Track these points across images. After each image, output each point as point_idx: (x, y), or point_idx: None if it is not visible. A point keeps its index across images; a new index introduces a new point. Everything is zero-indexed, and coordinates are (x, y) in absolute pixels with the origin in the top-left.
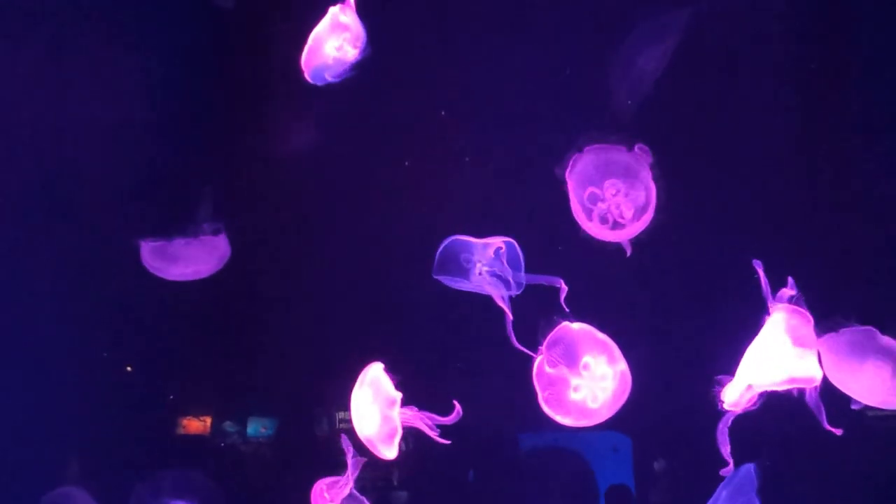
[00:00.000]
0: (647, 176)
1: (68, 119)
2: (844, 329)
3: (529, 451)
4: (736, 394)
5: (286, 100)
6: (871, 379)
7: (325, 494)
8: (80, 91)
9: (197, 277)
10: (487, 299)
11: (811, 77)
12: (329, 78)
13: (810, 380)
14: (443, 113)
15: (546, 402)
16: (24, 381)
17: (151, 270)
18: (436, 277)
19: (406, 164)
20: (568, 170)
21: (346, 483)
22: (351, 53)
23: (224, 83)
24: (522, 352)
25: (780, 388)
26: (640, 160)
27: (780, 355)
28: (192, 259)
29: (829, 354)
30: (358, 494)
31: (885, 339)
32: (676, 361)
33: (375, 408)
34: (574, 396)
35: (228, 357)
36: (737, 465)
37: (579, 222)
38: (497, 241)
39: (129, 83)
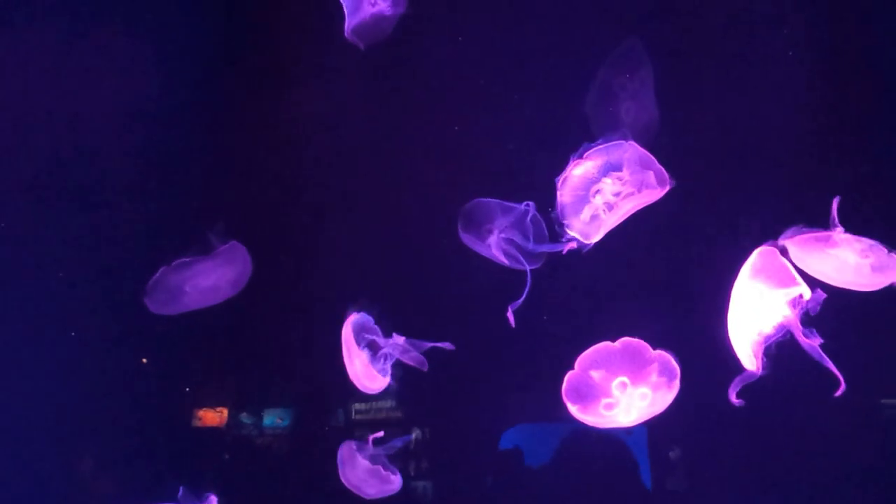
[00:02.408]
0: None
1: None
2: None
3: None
4: (747, 358)
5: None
6: (838, 259)
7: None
8: (93, 82)
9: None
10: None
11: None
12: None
13: (797, 299)
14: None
15: (577, 412)
16: (38, 372)
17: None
18: (463, 240)
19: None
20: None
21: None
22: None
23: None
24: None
25: (778, 332)
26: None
27: (761, 301)
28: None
29: (795, 246)
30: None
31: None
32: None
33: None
34: (606, 412)
35: (244, 348)
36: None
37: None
38: (519, 207)
39: (140, 75)
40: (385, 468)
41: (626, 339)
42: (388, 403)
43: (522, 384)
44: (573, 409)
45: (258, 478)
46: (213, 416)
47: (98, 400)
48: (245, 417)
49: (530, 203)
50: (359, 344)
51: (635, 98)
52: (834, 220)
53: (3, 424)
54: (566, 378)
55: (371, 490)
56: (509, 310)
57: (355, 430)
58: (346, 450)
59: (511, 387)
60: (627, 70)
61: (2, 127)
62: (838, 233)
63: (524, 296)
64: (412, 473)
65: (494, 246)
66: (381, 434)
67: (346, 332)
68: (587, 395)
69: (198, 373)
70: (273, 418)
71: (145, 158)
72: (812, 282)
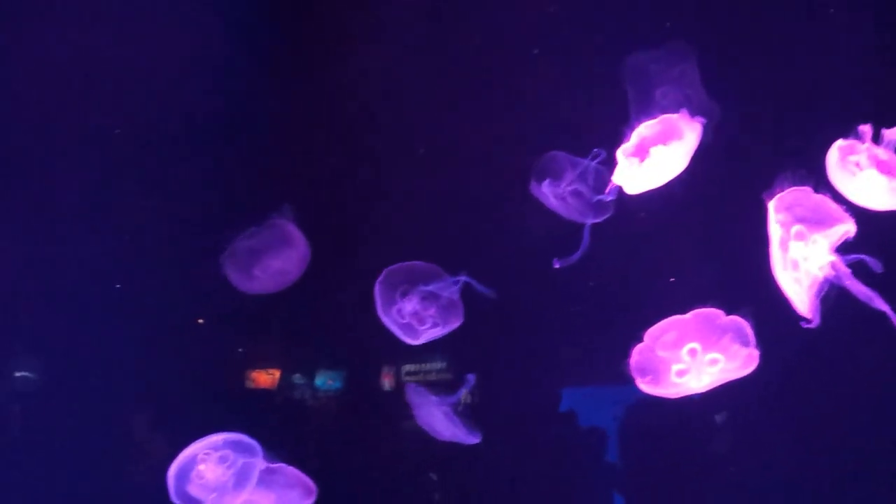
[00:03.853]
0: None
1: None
2: None
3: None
4: (803, 304)
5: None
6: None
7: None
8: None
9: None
10: None
11: None
12: None
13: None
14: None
15: (645, 384)
16: (97, 334)
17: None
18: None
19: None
20: None
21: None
22: None
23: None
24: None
25: (829, 270)
26: None
27: (803, 245)
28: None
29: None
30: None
31: None
32: None
33: None
34: (678, 379)
35: (297, 310)
36: None
37: None
38: (585, 161)
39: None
40: (456, 414)
41: (697, 309)
42: (438, 364)
43: (579, 344)
44: (642, 382)
45: (309, 439)
46: (265, 378)
47: (154, 361)
48: (297, 379)
49: (600, 151)
50: (406, 296)
51: (674, 82)
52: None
53: (63, 385)
54: (635, 351)
55: (445, 432)
56: (555, 263)
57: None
58: (415, 393)
59: (570, 347)
60: (670, 58)
61: (66, 91)
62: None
63: (581, 249)
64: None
65: (562, 198)
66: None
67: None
68: (657, 366)
69: (251, 334)
70: (324, 379)
71: (202, 138)
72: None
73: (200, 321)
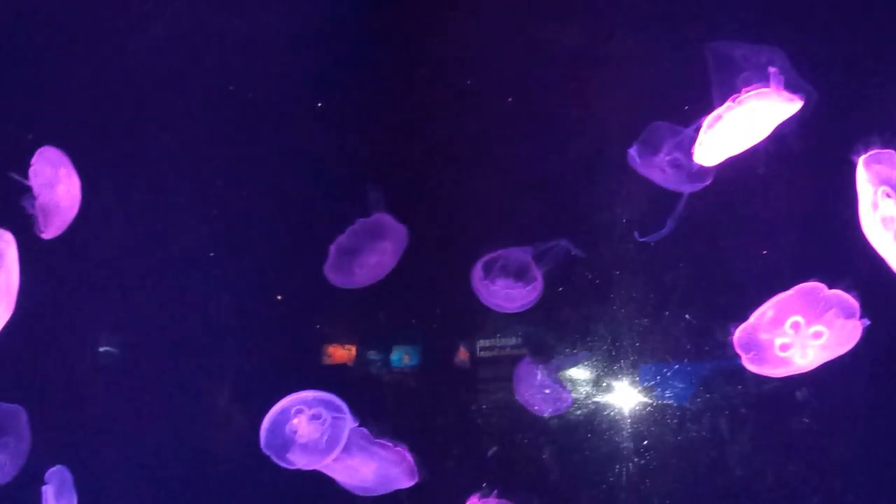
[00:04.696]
0: None
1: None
2: None
3: None
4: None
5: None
6: None
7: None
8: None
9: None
10: None
11: None
12: None
13: None
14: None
15: (749, 361)
16: (179, 310)
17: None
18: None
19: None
20: None
21: None
22: None
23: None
24: None
25: None
26: None
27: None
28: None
29: None
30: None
31: None
32: None
33: None
34: (782, 353)
35: (374, 286)
36: None
37: None
38: (686, 129)
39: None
40: (559, 386)
41: (799, 284)
42: (514, 340)
43: (674, 318)
44: (746, 359)
45: (385, 414)
46: (342, 353)
47: (233, 336)
48: (373, 355)
49: (700, 120)
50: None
51: (758, 68)
52: None
53: (145, 359)
54: (739, 329)
55: (546, 407)
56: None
57: (479, 368)
58: (524, 368)
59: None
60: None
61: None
62: None
63: (676, 219)
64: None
65: (661, 167)
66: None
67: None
68: (760, 341)
69: (328, 310)
70: (400, 355)
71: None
72: None
73: (279, 297)
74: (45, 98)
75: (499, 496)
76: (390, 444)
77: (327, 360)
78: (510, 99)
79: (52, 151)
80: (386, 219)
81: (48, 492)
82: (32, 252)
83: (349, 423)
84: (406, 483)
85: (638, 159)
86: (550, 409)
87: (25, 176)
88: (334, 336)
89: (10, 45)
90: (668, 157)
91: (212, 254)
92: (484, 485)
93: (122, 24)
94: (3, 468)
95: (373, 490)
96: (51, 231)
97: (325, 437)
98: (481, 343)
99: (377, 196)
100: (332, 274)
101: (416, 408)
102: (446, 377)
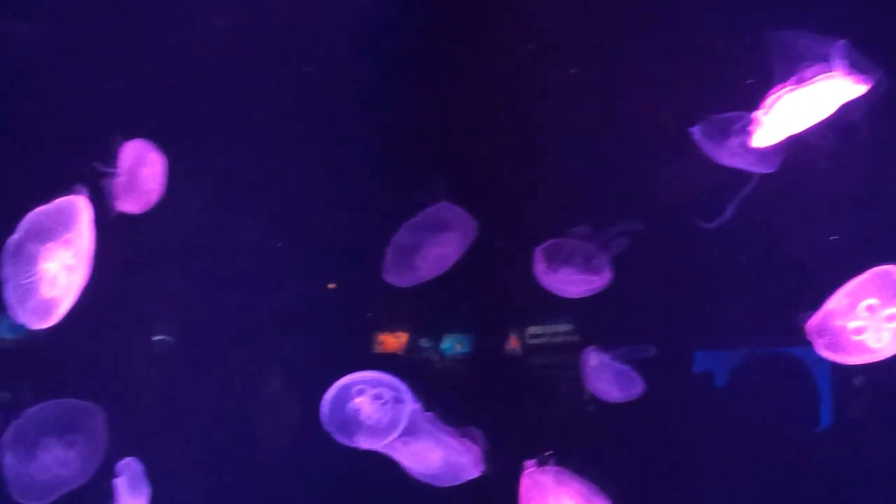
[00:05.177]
0: None
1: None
2: None
3: None
4: None
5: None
6: None
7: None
8: None
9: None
10: None
11: None
12: None
13: None
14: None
15: (823, 347)
16: (230, 298)
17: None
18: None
19: None
20: None
21: None
22: None
23: None
24: None
25: None
26: None
27: None
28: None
29: None
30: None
31: None
32: None
33: None
34: (856, 337)
35: None
36: None
37: None
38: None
39: None
40: (629, 372)
41: (874, 268)
42: (565, 327)
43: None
44: (820, 345)
45: (436, 402)
46: (392, 342)
47: (285, 324)
48: (424, 343)
49: (772, 103)
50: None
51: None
52: None
53: (198, 347)
54: (813, 315)
55: (617, 393)
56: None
57: (531, 356)
58: (593, 357)
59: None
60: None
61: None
62: None
63: (740, 202)
64: None
65: (730, 149)
66: None
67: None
68: (834, 327)
69: (379, 298)
70: (452, 343)
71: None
72: None
73: (331, 286)
74: (131, 79)
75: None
76: (457, 433)
77: (378, 349)
78: (573, 71)
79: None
80: (450, 208)
81: (121, 484)
82: (105, 232)
83: (410, 405)
84: (472, 474)
85: (706, 142)
86: (621, 396)
87: (109, 156)
88: (385, 324)
89: (87, 28)
90: (736, 140)
91: (279, 244)
92: (544, 453)
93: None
94: (72, 465)
95: (439, 478)
96: (129, 212)
97: (387, 418)
98: (534, 330)
99: (439, 184)
100: (394, 275)
101: (468, 396)
102: (499, 365)
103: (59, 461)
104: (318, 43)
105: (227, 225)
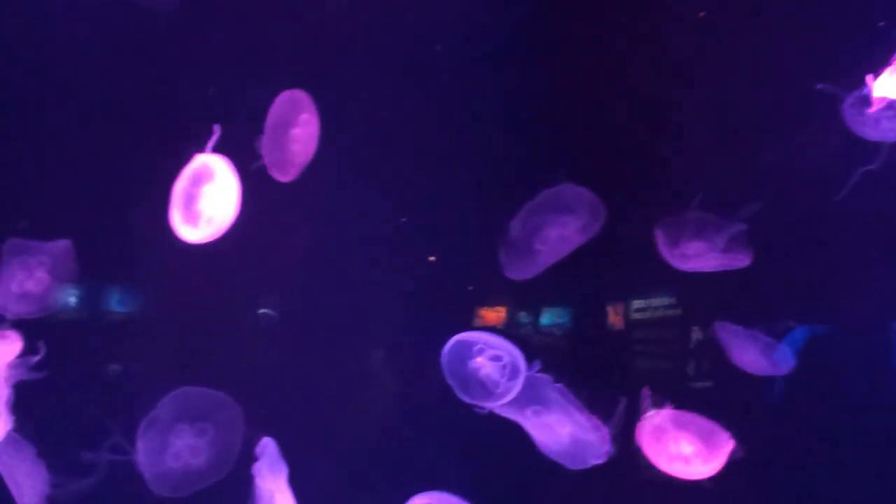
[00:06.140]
0: None
1: None
2: None
3: None
4: None
5: None
6: None
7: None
8: None
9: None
10: None
11: None
12: None
13: None
14: None
15: None
16: (333, 271)
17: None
18: None
19: None
20: None
21: None
22: None
23: None
24: None
25: None
26: None
27: None
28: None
29: None
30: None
31: None
32: None
33: None
34: None
35: None
36: None
37: None
38: None
39: None
40: (776, 347)
41: None
42: (667, 300)
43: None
44: None
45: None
46: (492, 316)
47: (386, 298)
48: (523, 317)
49: None
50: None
51: None
52: None
53: (301, 321)
54: None
55: (765, 368)
56: None
57: (634, 329)
58: (731, 329)
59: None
60: None
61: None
62: None
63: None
64: None
65: (875, 120)
66: None
67: None
68: None
69: (479, 272)
70: (552, 317)
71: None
72: None
73: (432, 258)
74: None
75: None
76: (586, 409)
77: (478, 322)
78: (701, 14)
79: (299, 94)
80: (573, 190)
81: (261, 467)
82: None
83: (524, 370)
84: (598, 457)
85: (851, 113)
86: (769, 371)
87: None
88: (485, 297)
89: None
90: (888, 112)
91: (404, 219)
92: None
93: None
94: (202, 455)
95: (567, 456)
96: (279, 174)
97: (504, 380)
98: (635, 303)
99: (563, 168)
100: (511, 258)
101: (568, 371)
102: (598, 338)
103: (191, 449)
104: (451, 23)
105: (353, 196)
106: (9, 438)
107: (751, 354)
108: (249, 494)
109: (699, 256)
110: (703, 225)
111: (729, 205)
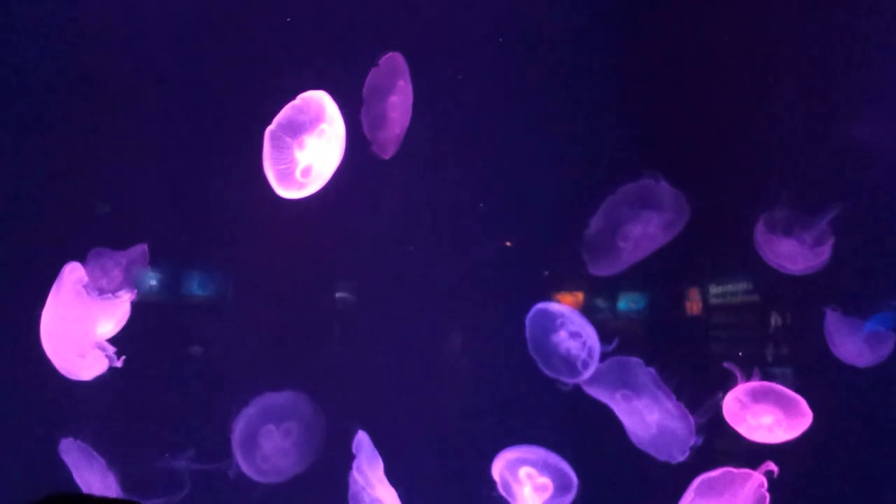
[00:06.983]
0: None
1: None
2: None
3: None
4: None
5: None
6: None
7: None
8: None
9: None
10: None
11: None
12: None
13: None
14: None
15: None
16: (410, 258)
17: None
18: None
19: None
20: None
21: None
22: None
23: None
24: None
25: None
26: None
27: None
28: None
29: None
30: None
31: None
32: None
33: None
34: None
35: None
36: None
37: None
38: None
39: None
40: (880, 333)
41: None
42: (743, 286)
43: None
44: None
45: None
46: (569, 299)
47: (461, 284)
48: (600, 302)
49: None
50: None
51: None
52: None
53: (377, 305)
54: None
55: (867, 357)
56: None
57: (712, 314)
58: (836, 318)
59: None
60: None
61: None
62: None
63: None
64: None
65: None
66: None
67: None
68: None
69: (554, 257)
70: (628, 301)
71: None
72: None
73: (508, 244)
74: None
75: None
76: (674, 396)
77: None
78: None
79: (398, 60)
80: (656, 185)
81: (360, 462)
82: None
83: (599, 349)
84: (684, 452)
85: None
86: (871, 359)
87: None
88: (562, 283)
89: None
90: None
91: (481, 204)
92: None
93: None
94: (290, 455)
95: (654, 446)
96: (373, 139)
97: (583, 356)
98: (713, 289)
99: (651, 166)
100: (595, 261)
101: (644, 356)
102: (674, 325)
103: (279, 450)
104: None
105: (439, 180)
106: (80, 448)
107: (854, 344)
108: (342, 492)
109: (790, 255)
110: (792, 222)
111: (811, 203)
